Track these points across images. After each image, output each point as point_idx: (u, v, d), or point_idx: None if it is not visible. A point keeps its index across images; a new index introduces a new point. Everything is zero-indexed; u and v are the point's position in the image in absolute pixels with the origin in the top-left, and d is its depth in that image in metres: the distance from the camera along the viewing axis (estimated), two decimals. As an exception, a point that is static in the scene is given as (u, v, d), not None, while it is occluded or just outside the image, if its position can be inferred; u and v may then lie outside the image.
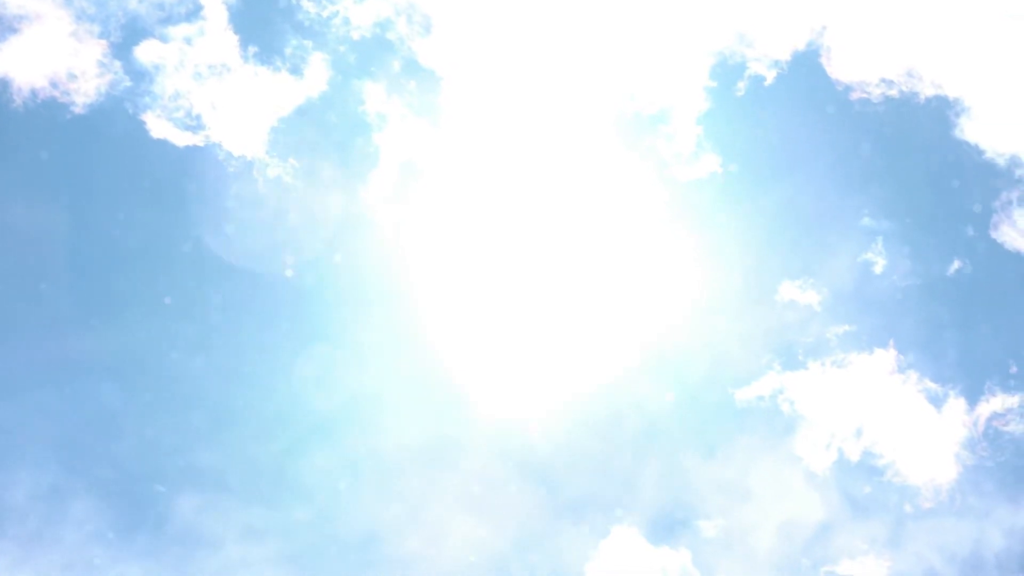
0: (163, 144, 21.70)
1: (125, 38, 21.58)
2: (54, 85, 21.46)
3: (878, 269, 21.96)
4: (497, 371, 22.12)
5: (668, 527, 21.83)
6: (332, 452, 21.71)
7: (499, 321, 22.22)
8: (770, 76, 21.81)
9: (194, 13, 21.71)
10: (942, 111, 21.45)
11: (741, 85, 21.88)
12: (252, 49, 21.82)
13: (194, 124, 21.75)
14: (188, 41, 21.69)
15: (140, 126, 21.66)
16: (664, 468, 21.94)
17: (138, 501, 21.53)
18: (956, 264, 21.85)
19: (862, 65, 21.43)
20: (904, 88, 21.43)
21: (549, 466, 22.04)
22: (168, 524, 21.44)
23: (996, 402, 21.42)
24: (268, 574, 21.29)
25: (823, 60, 21.62)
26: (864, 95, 21.54)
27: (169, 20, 21.68)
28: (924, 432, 21.45)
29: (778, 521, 21.76)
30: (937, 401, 21.55)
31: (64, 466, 21.42)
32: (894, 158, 22.14)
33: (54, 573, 20.94)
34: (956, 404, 21.49)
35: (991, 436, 21.36)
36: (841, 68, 21.55)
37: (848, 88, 21.59)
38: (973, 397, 21.51)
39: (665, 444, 22.00)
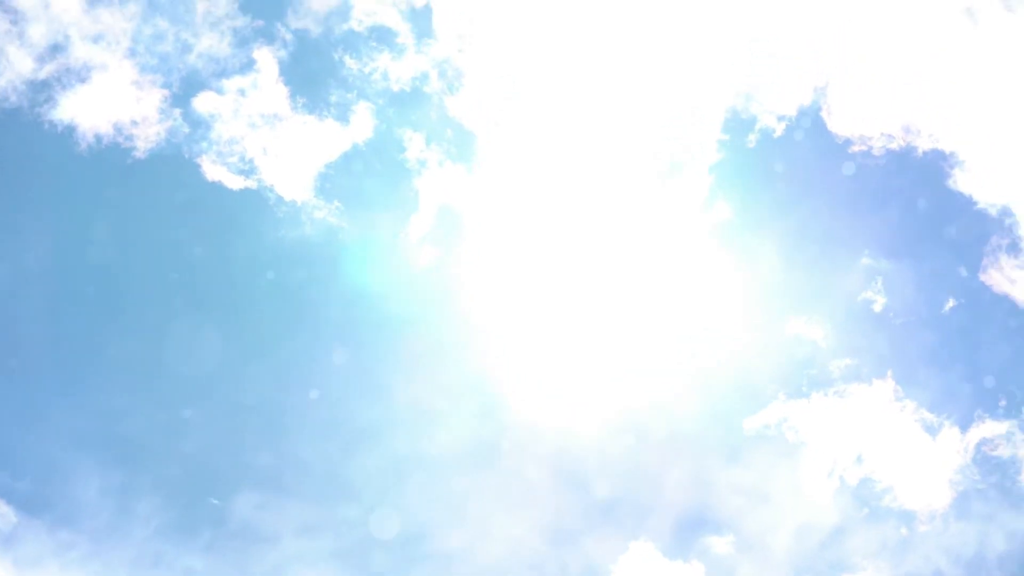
0: (217, 187, 22.79)
1: (184, 89, 22.66)
2: (118, 130, 22.54)
3: (878, 307, 22.81)
4: (526, 392, 23.23)
5: (682, 542, 22.73)
6: (380, 456, 22.72)
7: (523, 351, 23.36)
8: (779, 129, 22.69)
9: (248, 66, 22.85)
10: (938, 163, 22.38)
11: (752, 137, 22.81)
12: (301, 100, 22.89)
13: (247, 168, 22.86)
14: (242, 92, 22.78)
15: (196, 169, 22.72)
16: (679, 489, 22.89)
17: (201, 499, 22.61)
18: (950, 303, 22.73)
19: (864, 120, 22.30)
20: (902, 142, 22.36)
21: (571, 481, 23.00)
22: (229, 522, 22.53)
23: (985, 428, 22.27)
24: (321, 568, 22.31)
25: (826, 115, 22.51)
26: (865, 147, 22.43)
27: (225, 73, 22.79)
28: (920, 458, 22.25)
29: (784, 539, 22.68)
30: (932, 429, 22.42)
31: (134, 467, 22.53)
32: (894, 206, 22.99)
33: (124, 566, 21.92)
34: (950, 432, 22.33)
35: (980, 460, 22.25)
36: (844, 123, 22.43)
37: (850, 141, 22.50)
38: (965, 425, 22.37)
39: (679, 468, 22.96)
